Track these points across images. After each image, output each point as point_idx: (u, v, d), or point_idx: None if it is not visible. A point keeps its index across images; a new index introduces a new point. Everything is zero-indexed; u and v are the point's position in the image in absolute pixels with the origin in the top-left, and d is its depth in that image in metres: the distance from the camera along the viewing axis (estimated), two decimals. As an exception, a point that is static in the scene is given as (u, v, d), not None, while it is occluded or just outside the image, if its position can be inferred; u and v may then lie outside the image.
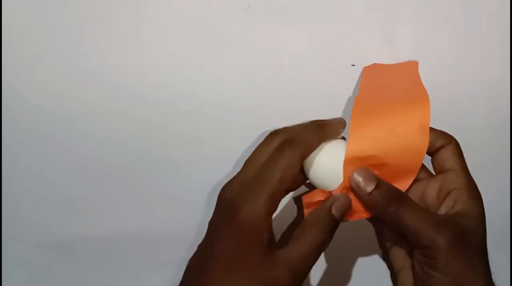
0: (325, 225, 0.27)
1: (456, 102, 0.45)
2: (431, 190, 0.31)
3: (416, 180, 0.31)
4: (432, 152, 0.33)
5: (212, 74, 0.43)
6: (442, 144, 0.32)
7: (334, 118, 0.31)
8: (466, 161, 0.45)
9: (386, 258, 0.34)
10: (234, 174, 0.42)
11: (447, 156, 0.31)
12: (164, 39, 0.43)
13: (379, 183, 0.28)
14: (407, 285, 0.31)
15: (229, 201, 0.27)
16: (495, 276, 0.44)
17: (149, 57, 0.43)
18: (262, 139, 0.40)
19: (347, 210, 0.28)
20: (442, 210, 0.30)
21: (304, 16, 0.44)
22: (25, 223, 0.41)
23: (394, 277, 0.33)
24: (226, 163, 0.41)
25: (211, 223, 0.28)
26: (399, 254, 0.32)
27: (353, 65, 0.44)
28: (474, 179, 0.45)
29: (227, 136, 0.42)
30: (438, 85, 0.45)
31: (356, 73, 0.44)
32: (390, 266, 0.34)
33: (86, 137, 0.42)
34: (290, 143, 0.28)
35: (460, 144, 0.45)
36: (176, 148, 0.42)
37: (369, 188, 0.28)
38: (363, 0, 0.45)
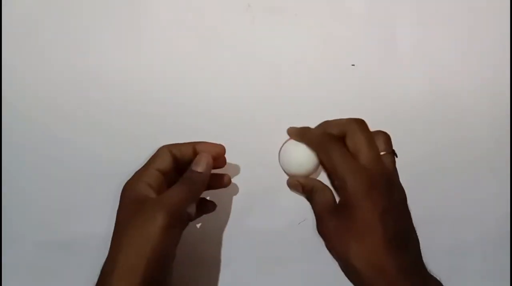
0: (188, 178, 0.34)
1: (456, 102, 0.45)
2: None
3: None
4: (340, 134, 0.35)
5: (212, 74, 0.43)
6: (346, 129, 0.35)
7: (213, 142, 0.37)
8: (466, 161, 0.45)
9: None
10: (234, 173, 0.42)
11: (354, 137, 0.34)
12: (164, 39, 0.43)
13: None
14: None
15: (124, 187, 0.34)
16: (495, 276, 0.44)
17: (149, 57, 0.43)
18: (261, 139, 0.40)
19: (206, 165, 0.35)
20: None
21: (304, 16, 0.44)
22: (25, 223, 0.42)
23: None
24: (227, 161, 0.41)
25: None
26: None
27: (353, 65, 0.44)
28: (474, 179, 0.45)
29: (227, 135, 0.42)
30: (438, 85, 0.45)
31: (356, 73, 0.44)
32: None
33: (86, 138, 0.42)
34: (162, 147, 0.36)
35: (460, 143, 0.46)
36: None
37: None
38: (363, 0, 0.45)
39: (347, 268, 0.31)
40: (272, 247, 0.42)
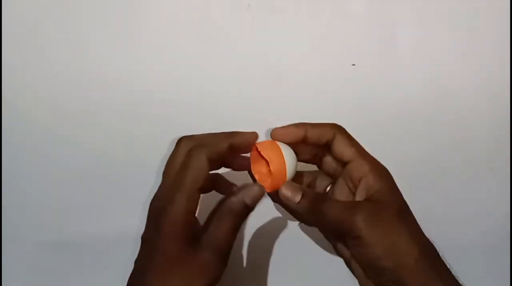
0: (238, 211, 0.31)
1: (456, 102, 0.45)
2: (344, 187, 0.35)
3: (336, 173, 0.35)
4: (323, 145, 0.34)
5: (212, 74, 0.43)
6: (328, 138, 0.34)
7: (247, 131, 0.34)
8: (466, 161, 0.45)
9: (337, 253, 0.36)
10: (234, 172, 0.42)
11: (340, 148, 0.34)
12: (164, 39, 0.43)
13: (304, 192, 0.32)
14: (359, 272, 0.33)
15: (154, 210, 0.31)
16: (495, 276, 0.44)
17: (149, 57, 0.43)
18: (261, 138, 0.40)
19: (258, 199, 0.32)
20: (359, 198, 0.33)
21: (304, 16, 0.44)
22: (25, 223, 0.42)
23: (349, 268, 0.35)
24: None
25: (142, 237, 0.31)
26: (342, 249, 0.35)
27: (353, 65, 0.44)
28: (474, 179, 0.45)
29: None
30: (438, 85, 0.45)
31: (356, 73, 0.44)
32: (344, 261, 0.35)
33: (86, 138, 0.42)
34: (196, 147, 0.31)
35: (460, 143, 0.46)
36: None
37: (297, 198, 0.32)
38: (363, 0, 0.45)
39: (375, 263, 0.30)
40: (272, 247, 0.42)
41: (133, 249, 0.41)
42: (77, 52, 0.43)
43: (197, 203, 0.30)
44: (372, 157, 0.34)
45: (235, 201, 0.31)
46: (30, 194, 0.42)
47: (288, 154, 0.33)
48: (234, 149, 0.33)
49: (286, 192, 0.32)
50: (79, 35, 0.43)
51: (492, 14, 0.46)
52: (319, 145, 0.34)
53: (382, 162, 0.45)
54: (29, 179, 0.42)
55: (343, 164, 0.34)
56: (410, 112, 0.44)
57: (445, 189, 0.44)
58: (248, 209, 0.31)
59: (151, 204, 0.31)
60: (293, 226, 0.42)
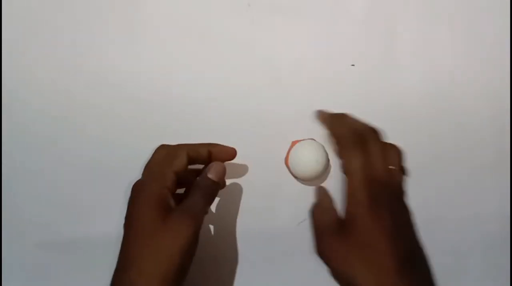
0: (205, 185, 0.35)
1: (456, 102, 0.45)
2: None
3: None
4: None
5: (212, 73, 0.43)
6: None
7: (227, 145, 0.38)
8: (467, 162, 0.45)
9: None
10: (234, 172, 0.42)
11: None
12: (164, 38, 0.43)
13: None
14: None
15: (132, 192, 0.34)
16: (495, 276, 0.44)
17: (149, 57, 0.43)
18: (261, 138, 0.40)
19: (221, 174, 0.36)
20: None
21: (304, 16, 0.44)
22: (25, 223, 0.41)
23: None
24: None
25: (124, 222, 0.34)
26: None
27: (353, 65, 0.44)
28: (474, 179, 0.45)
29: (227, 135, 0.42)
30: (438, 85, 0.45)
31: (356, 73, 0.44)
32: None
33: (86, 138, 0.42)
34: (177, 145, 0.36)
35: (460, 144, 0.46)
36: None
37: None
38: (363, 0, 0.45)
39: None
40: (272, 247, 0.42)
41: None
42: (78, 52, 0.43)
43: (171, 182, 0.34)
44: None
45: (202, 176, 0.35)
46: (30, 194, 0.42)
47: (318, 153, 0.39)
48: (212, 156, 0.37)
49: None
50: (79, 36, 0.43)
51: (492, 14, 0.46)
52: None
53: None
54: (29, 179, 0.42)
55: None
56: (410, 112, 0.44)
57: (445, 189, 0.44)
58: (215, 183, 0.35)
59: (132, 188, 0.34)
60: (294, 225, 0.42)
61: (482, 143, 0.45)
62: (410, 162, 0.44)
